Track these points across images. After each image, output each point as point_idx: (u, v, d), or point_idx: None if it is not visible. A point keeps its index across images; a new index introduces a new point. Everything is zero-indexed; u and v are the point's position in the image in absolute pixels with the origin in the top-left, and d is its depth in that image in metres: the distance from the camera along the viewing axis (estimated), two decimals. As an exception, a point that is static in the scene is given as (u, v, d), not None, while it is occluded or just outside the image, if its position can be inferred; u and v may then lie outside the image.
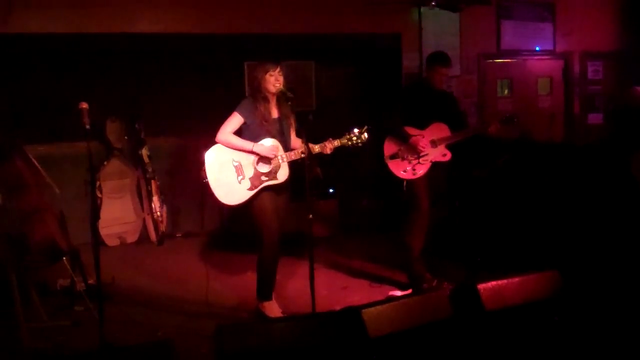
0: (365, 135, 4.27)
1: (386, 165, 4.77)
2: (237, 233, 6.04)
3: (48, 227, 4.07)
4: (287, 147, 4.28)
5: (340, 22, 6.68)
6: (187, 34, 6.21)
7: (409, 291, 4.72)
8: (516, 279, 3.36)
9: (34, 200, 4.08)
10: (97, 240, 3.60)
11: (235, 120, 4.20)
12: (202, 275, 5.26)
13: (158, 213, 6.31)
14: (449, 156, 4.79)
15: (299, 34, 6.58)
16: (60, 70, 6.18)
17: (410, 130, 4.75)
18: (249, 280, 4.77)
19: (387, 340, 2.91)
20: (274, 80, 4.17)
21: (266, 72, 4.17)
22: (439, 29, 7.13)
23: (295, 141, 4.40)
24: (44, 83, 6.13)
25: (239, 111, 4.21)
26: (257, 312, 4.37)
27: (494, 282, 3.28)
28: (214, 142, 4.19)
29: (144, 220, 6.67)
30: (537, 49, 7.85)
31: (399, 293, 4.70)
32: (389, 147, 4.78)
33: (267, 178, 4.19)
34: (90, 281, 4.56)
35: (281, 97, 4.25)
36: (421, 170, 4.75)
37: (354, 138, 4.27)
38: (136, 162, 6.57)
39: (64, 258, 4.30)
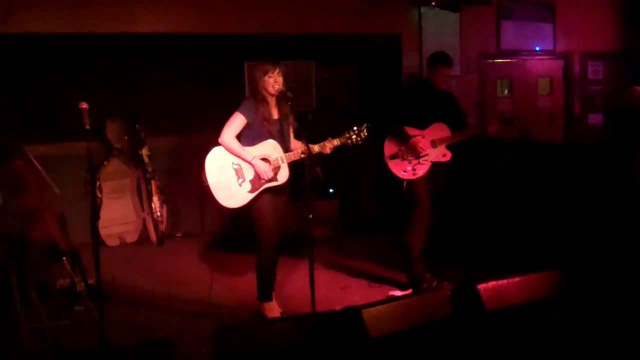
0: (365, 133, 4.26)
1: (386, 166, 4.78)
2: (237, 233, 6.05)
3: (48, 227, 4.07)
4: (287, 148, 4.27)
5: (340, 22, 6.68)
6: (187, 34, 6.21)
7: (409, 291, 4.73)
8: (516, 279, 3.35)
9: (34, 200, 4.08)
10: (97, 240, 3.59)
11: (238, 121, 4.18)
12: (202, 275, 5.27)
13: (158, 213, 6.31)
14: (449, 156, 4.79)
15: (299, 34, 6.58)
16: (60, 70, 6.17)
17: (411, 131, 4.75)
18: (249, 280, 4.77)
19: (387, 340, 2.90)
20: (273, 82, 4.15)
21: (265, 73, 4.15)
22: (439, 29, 7.13)
23: (295, 142, 4.39)
24: (44, 83, 6.12)
25: (241, 112, 4.19)
26: (258, 313, 4.37)
27: (494, 282, 3.27)
28: (215, 143, 4.18)
29: (144, 220, 6.66)
30: (537, 49, 7.85)
31: (399, 293, 4.71)
32: (389, 147, 4.78)
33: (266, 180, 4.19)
34: (90, 281, 4.55)
35: (281, 98, 4.24)
36: (421, 171, 4.75)
37: (354, 136, 4.26)
38: (136, 162, 6.56)
39: (64, 258, 4.29)
